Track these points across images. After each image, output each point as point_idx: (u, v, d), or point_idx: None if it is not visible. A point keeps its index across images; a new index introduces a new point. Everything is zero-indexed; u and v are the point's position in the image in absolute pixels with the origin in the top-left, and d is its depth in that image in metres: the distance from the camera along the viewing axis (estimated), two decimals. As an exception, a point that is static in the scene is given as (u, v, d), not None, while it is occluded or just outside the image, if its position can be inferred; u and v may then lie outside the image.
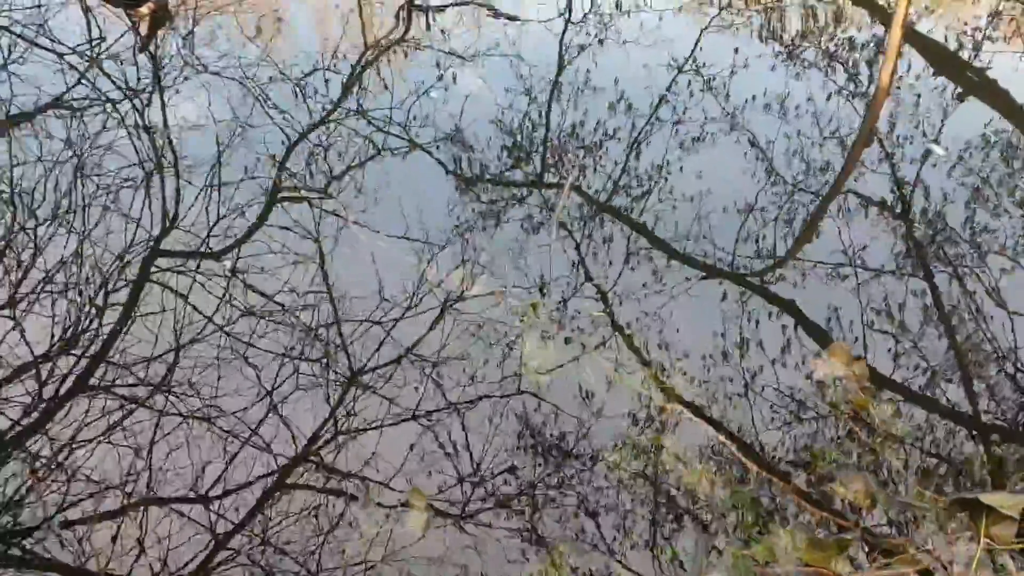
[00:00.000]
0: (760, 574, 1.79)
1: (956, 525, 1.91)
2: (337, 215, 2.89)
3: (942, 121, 3.31)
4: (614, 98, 3.48)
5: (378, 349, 2.44)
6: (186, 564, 1.97)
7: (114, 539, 2.00)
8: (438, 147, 3.22)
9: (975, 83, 3.58)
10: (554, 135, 3.30)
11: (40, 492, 2.08)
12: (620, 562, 1.90)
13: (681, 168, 3.12)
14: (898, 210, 2.93)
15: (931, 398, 2.28)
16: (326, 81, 3.57)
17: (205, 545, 2.00)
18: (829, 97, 3.47)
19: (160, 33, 3.85)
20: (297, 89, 3.49)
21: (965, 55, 3.77)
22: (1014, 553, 1.85)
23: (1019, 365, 2.37)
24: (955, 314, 2.53)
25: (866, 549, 1.87)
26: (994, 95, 3.49)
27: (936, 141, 3.21)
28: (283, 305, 2.58)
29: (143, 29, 3.83)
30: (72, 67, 3.55)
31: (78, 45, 3.68)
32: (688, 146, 3.21)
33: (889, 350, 2.41)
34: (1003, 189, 2.99)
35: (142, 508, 2.06)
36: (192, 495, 2.10)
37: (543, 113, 3.41)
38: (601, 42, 3.83)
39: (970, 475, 2.08)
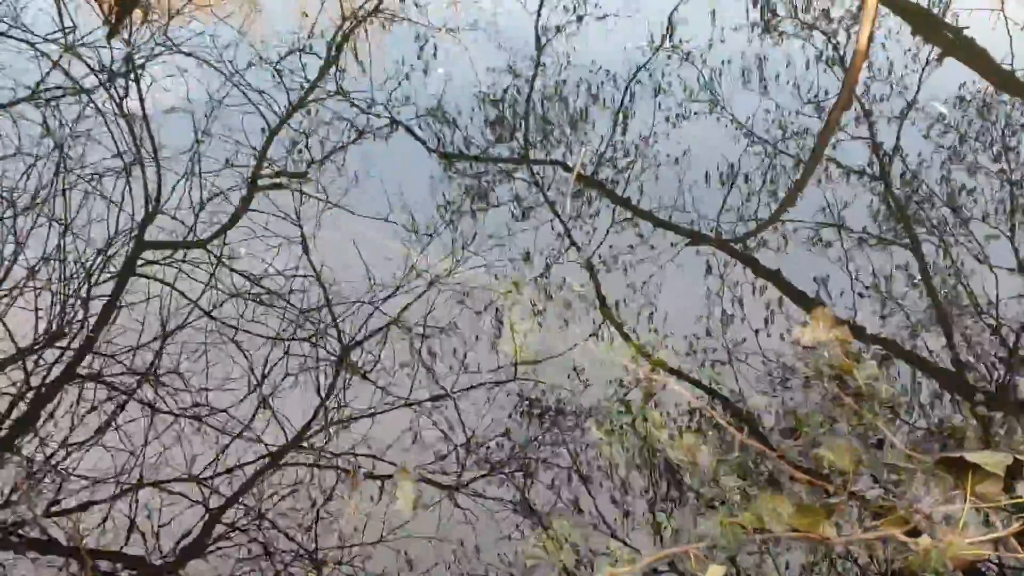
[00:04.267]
0: (749, 540, 1.81)
1: (942, 485, 1.93)
2: (318, 198, 2.88)
3: (919, 82, 3.32)
4: (594, 73, 3.46)
5: (366, 322, 2.45)
6: (180, 541, 1.98)
7: (104, 520, 2.01)
8: (420, 126, 3.20)
9: (952, 43, 3.58)
10: (536, 111, 3.29)
11: (30, 491, 2.09)
12: (615, 536, 1.92)
13: (668, 135, 3.12)
14: (877, 173, 2.94)
15: (915, 354, 2.30)
16: (303, 65, 3.54)
17: (200, 518, 2.02)
18: (808, 65, 3.46)
19: (133, 18, 3.80)
20: (275, 72, 3.46)
21: (939, 12, 3.77)
22: (1000, 510, 1.88)
23: (1001, 322, 2.39)
24: (938, 274, 2.55)
25: (855, 512, 1.90)
26: (972, 54, 3.50)
27: (916, 103, 3.22)
28: (269, 289, 2.58)
29: (112, 15, 3.78)
30: (44, 55, 3.50)
31: (49, 33, 3.63)
32: (672, 120, 3.21)
33: (874, 312, 2.43)
34: (979, 146, 3.01)
35: (133, 493, 2.07)
36: (185, 476, 2.11)
37: (525, 88, 3.40)
38: (580, 19, 3.80)
39: (957, 436, 2.10)
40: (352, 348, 2.40)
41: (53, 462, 2.15)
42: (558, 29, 3.74)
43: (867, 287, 2.51)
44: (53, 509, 2.05)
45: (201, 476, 2.11)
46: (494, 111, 3.27)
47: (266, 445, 2.18)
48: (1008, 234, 2.66)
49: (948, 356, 2.32)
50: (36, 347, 2.40)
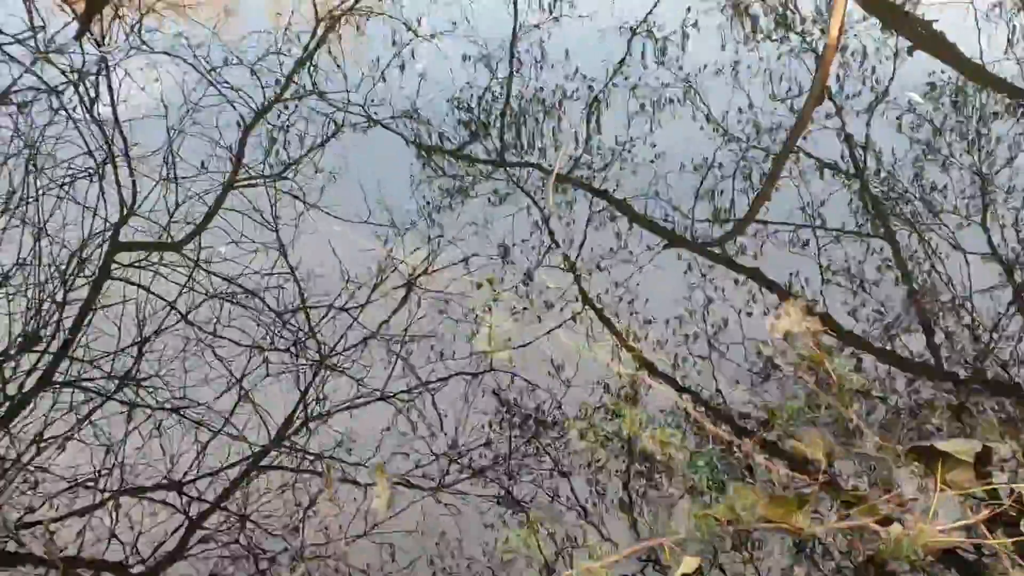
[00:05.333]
0: (722, 532, 1.83)
1: (913, 473, 1.96)
2: (295, 197, 2.88)
3: (892, 75, 3.36)
4: (570, 69, 3.47)
5: (346, 333, 2.45)
6: (159, 547, 1.98)
7: (83, 530, 2.00)
8: (397, 126, 3.20)
9: (922, 36, 3.61)
10: (513, 109, 3.30)
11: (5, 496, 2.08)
12: (592, 524, 1.94)
13: (645, 134, 3.13)
14: (851, 169, 2.96)
15: (888, 350, 2.33)
16: (280, 63, 3.52)
17: (180, 526, 2.02)
18: (780, 56, 3.49)
19: (103, 16, 3.76)
20: (252, 71, 3.44)
21: (910, 7, 3.81)
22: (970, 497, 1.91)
23: (974, 312, 2.42)
24: (913, 263, 2.58)
25: (828, 502, 1.92)
26: (941, 48, 3.53)
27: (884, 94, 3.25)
28: (246, 289, 2.57)
29: (82, 14, 3.75)
30: (12, 59, 3.47)
31: (17, 34, 3.60)
32: (645, 112, 3.22)
33: (845, 302, 2.46)
34: (954, 137, 3.04)
35: (114, 500, 2.06)
36: (164, 481, 2.10)
37: (501, 89, 3.40)
38: (557, 19, 3.81)
39: (927, 423, 2.13)
40: (330, 357, 2.40)
41: (26, 460, 2.13)
42: (536, 27, 3.75)
43: (835, 273, 2.54)
44: (28, 519, 2.03)
45: (182, 480, 2.10)
46: (469, 114, 3.27)
47: (249, 444, 2.17)
48: (979, 222, 2.70)
49: (922, 343, 2.35)
50: (12, 353, 2.38)
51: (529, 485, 2.06)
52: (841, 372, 2.19)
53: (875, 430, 2.07)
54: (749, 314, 2.44)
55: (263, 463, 2.15)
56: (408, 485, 2.06)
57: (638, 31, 3.64)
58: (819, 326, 2.27)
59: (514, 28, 3.72)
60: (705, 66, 3.45)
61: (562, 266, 2.62)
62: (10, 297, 2.53)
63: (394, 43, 3.64)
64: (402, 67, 3.50)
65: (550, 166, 3.00)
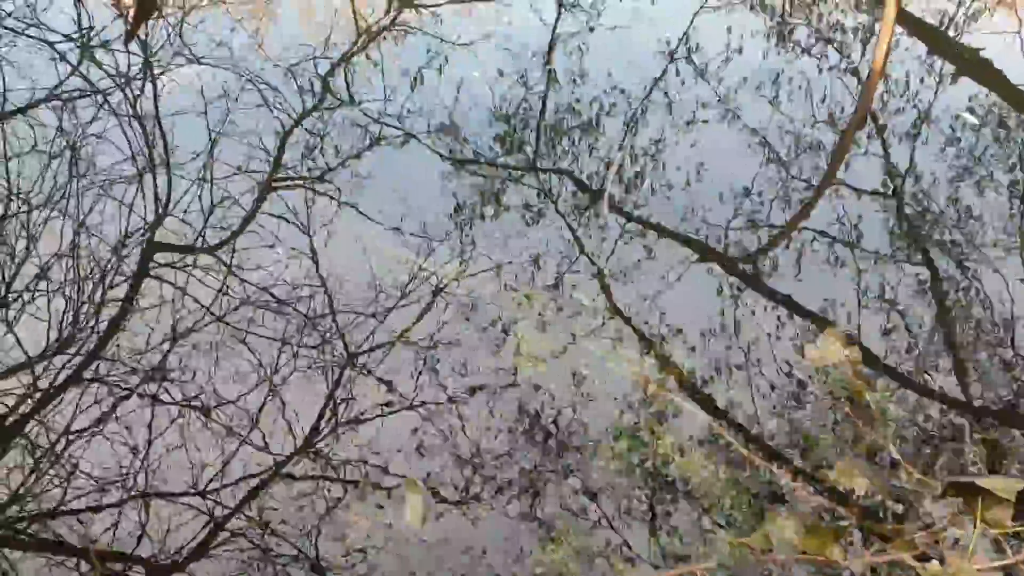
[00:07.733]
0: (757, 562, 1.80)
1: (952, 509, 1.92)
2: (331, 197, 2.89)
3: (934, 97, 3.33)
4: (607, 85, 3.46)
5: (371, 335, 2.45)
6: (183, 546, 1.99)
7: (115, 525, 2.02)
8: (433, 140, 3.20)
9: (968, 62, 3.57)
10: (548, 121, 3.30)
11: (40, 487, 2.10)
12: (623, 550, 1.92)
13: (677, 143, 3.12)
14: (890, 193, 2.93)
15: (924, 385, 2.30)
16: (316, 70, 3.55)
17: (204, 526, 2.03)
18: (821, 71, 3.46)
19: (149, 22, 3.81)
20: (289, 72, 3.47)
21: (954, 33, 3.77)
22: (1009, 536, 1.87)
23: (1016, 347, 2.38)
24: (949, 296, 2.54)
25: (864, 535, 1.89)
26: (987, 74, 3.49)
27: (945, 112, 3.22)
28: (278, 299, 2.58)
29: (130, 19, 3.80)
30: (63, 58, 3.52)
31: (68, 35, 3.65)
32: (681, 128, 3.21)
33: (884, 331, 2.42)
34: (996, 166, 3.01)
35: (141, 500, 2.07)
36: (191, 490, 2.11)
37: (539, 99, 3.40)
38: (592, 29, 3.80)
39: (965, 458, 2.09)
40: (357, 356, 2.40)
41: (58, 451, 2.15)
42: (572, 35, 3.74)
43: (876, 298, 2.51)
44: (61, 509, 2.05)
45: (207, 488, 2.11)
46: (504, 124, 3.27)
47: (272, 455, 2.18)
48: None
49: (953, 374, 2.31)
50: (46, 354, 2.40)
51: (555, 500, 2.04)
52: (880, 404, 2.15)
53: (914, 463, 2.03)
54: (778, 338, 2.42)
55: (291, 472, 2.15)
56: (437, 495, 2.05)
57: (676, 56, 3.62)
58: (858, 355, 2.24)
59: (551, 41, 3.73)
60: (745, 79, 3.43)
61: (592, 275, 2.61)
62: (51, 296, 2.55)
63: (428, 50, 3.65)
64: (440, 75, 3.52)
65: (580, 172, 2.99)
